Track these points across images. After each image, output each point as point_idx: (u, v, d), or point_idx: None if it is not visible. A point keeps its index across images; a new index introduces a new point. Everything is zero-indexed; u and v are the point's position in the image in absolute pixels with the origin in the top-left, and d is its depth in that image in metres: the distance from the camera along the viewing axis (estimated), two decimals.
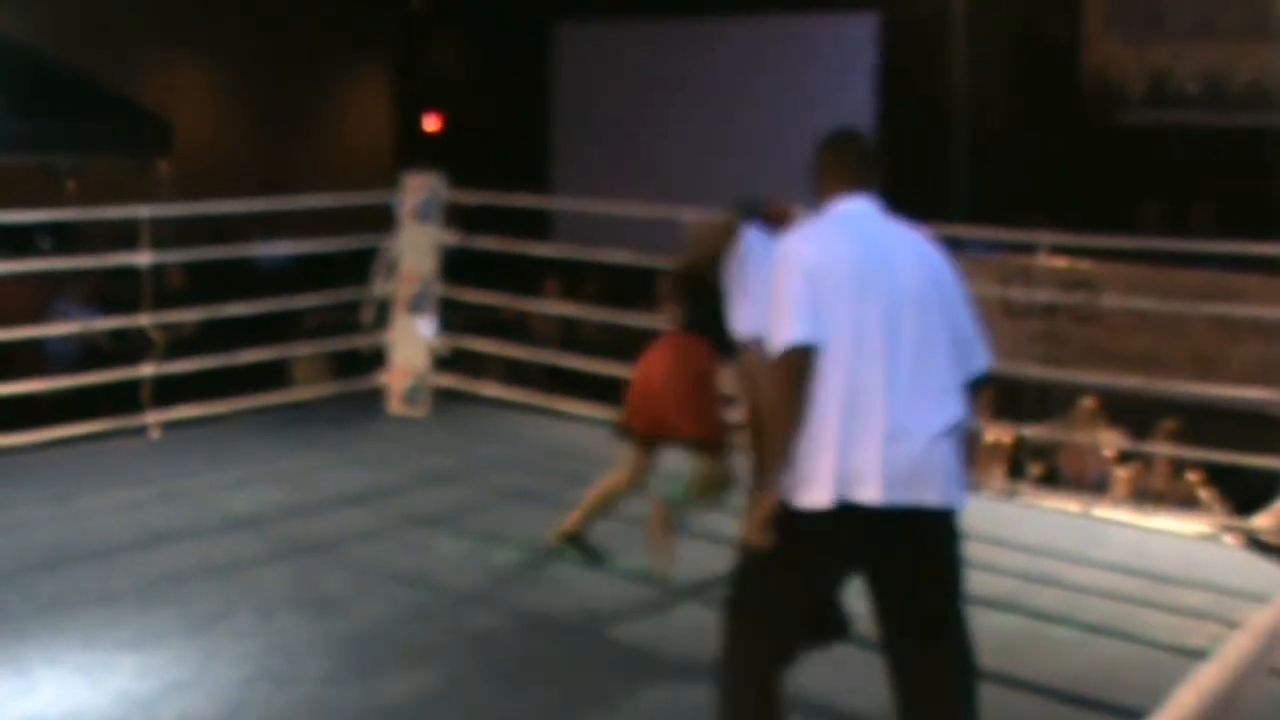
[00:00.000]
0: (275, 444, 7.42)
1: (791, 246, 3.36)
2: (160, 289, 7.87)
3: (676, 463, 5.42)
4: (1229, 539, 6.43)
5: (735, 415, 5.16)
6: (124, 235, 7.87)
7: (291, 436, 7.57)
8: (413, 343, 8.18)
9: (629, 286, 9.56)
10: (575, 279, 10.67)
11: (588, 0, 14.21)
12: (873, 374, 3.20)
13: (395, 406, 8.20)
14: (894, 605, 3.32)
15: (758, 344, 3.66)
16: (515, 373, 9.11)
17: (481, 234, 8.30)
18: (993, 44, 11.54)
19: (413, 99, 15.45)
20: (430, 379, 8.23)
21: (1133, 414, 8.17)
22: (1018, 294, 8.70)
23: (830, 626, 4.15)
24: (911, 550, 3.27)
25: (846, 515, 3.17)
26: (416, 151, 13.64)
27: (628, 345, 7.70)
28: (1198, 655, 4.14)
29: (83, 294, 9.43)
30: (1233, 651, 2.94)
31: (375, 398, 8.27)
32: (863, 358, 3.20)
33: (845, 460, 3.16)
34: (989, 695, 4.39)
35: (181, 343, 8.18)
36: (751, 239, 4.42)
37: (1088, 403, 8.28)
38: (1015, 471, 7.95)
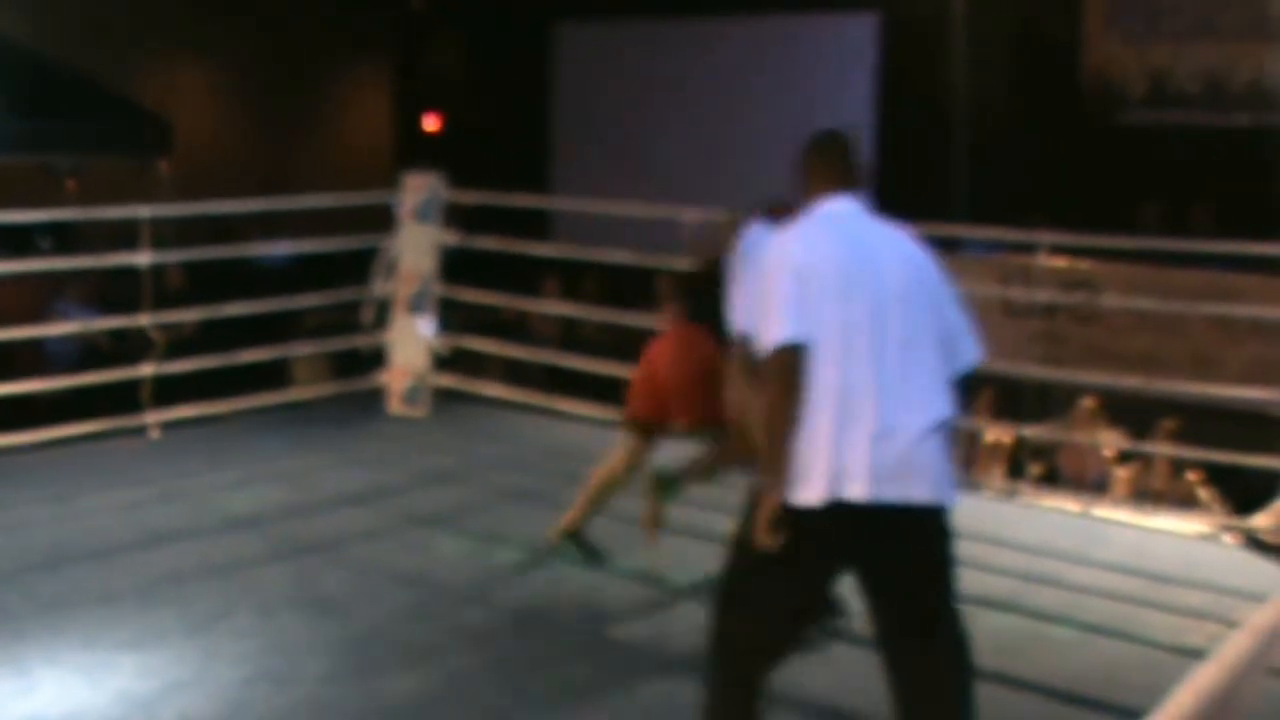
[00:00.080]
0: (275, 444, 7.42)
1: (779, 247, 3.38)
2: (160, 289, 7.88)
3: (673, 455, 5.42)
4: (1228, 539, 6.43)
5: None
6: (124, 235, 7.87)
7: (291, 436, 7.57)
8: (412, 343, 8.19)
9: (629, 286, 9.57)
10: (575, 279, 10.67)
11: (588, 0, 14.20)
12: (862, 373, 3.22)
13: (395, 406, 8.21)
14: (887, 602, 3.33)
15: (747, 340, 3.68)
16: (515, 373, 9.11)
17: (481, 234, 8.30)
18: (993, 44, 11.53)
19: (412, 99, 15.45)
20: (430, 379, 8.23)
21: (1133, 414, 8.17)
22: (1018, 294, 8.70)
23: (820, 614, 4.18)
24: (902, 547, 3.28)
25: (837, 513, 3.18)
26: (416, 151, 13.64)
27: (628, 345, 7.71)
28: (1197, 655, 4.14)
29: (83, 294, 9.43)
30: (1232, 651, 2.94)
31: (375, 398, 8.28)
32: (852, 357, 3.22)
33: (836, 458, 3.18)
34: (989, 695, 4.39)
35: (181, 343, 8.19)
36: (754, 235, 4.43)
37: (1088, 403, 8.28)
38: (1015, 471, 7.95)
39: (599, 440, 6.35)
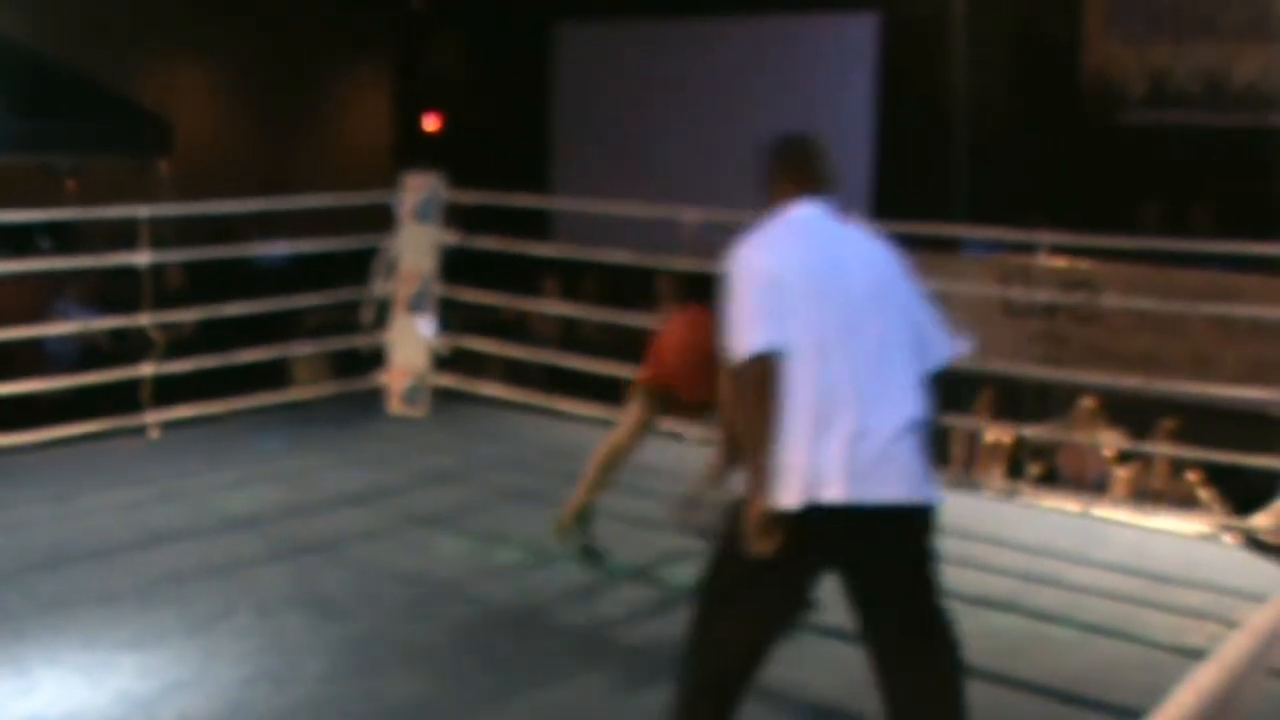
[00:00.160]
0: (275, 443, 7.42)
1: (745, 255, 3.35)
2: (160, 289, 7.88)
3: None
4: (1228, 539, 6.43)
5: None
6: (124, 235, 7.87)
7: (291, 436, 7.57)
8: (412, 342, 8.19)
9: (629, 286, 9.57)
10: (575, 279, 10.67)
11: (588, 0, 14.20)
12: (837, 375, 3.22)
13: (395, 406, 8.21)
14: (873, 604, 3.33)
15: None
16: (515, 373, 9.12)
17: (481, 234, 8.29)
18: (993, 44, 11.54)
19: (412, 99, 15.45)
20: (430, 379, 8.23)
21: (1132, 414, 8.18)
22: (1018, 294, 8.71)
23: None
24: (882, 548, 3.28)
25: (815, 516, 3.18)
26: (416, 151, 13.65)
27: (628, 345, 7.71)
28: (1197, 655, 4.13)
29: (82, 294, 9.44)
30: (1232, 651, 2.94)
31: (375, 398, 8.28)
32: (826, 360, 3.22)
33: (813, 462, 3.19)
34: (989, 695, 4.40)
35: (181, 342, 8.19)
36: None
37: (1087, 402, 8.28)
38: (1015, 471, 7.96)
39: (599, 440, 6.34)
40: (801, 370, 3.21)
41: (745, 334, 3.23)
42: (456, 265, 8.31)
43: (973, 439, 8.39)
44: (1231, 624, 4.71)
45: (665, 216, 7.48)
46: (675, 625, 4.94)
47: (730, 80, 13.34)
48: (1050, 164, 11.25)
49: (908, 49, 12.10)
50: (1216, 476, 7.57)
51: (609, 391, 7.46)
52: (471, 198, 8.34)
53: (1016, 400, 8.56)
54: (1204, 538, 6.49)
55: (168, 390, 7.43)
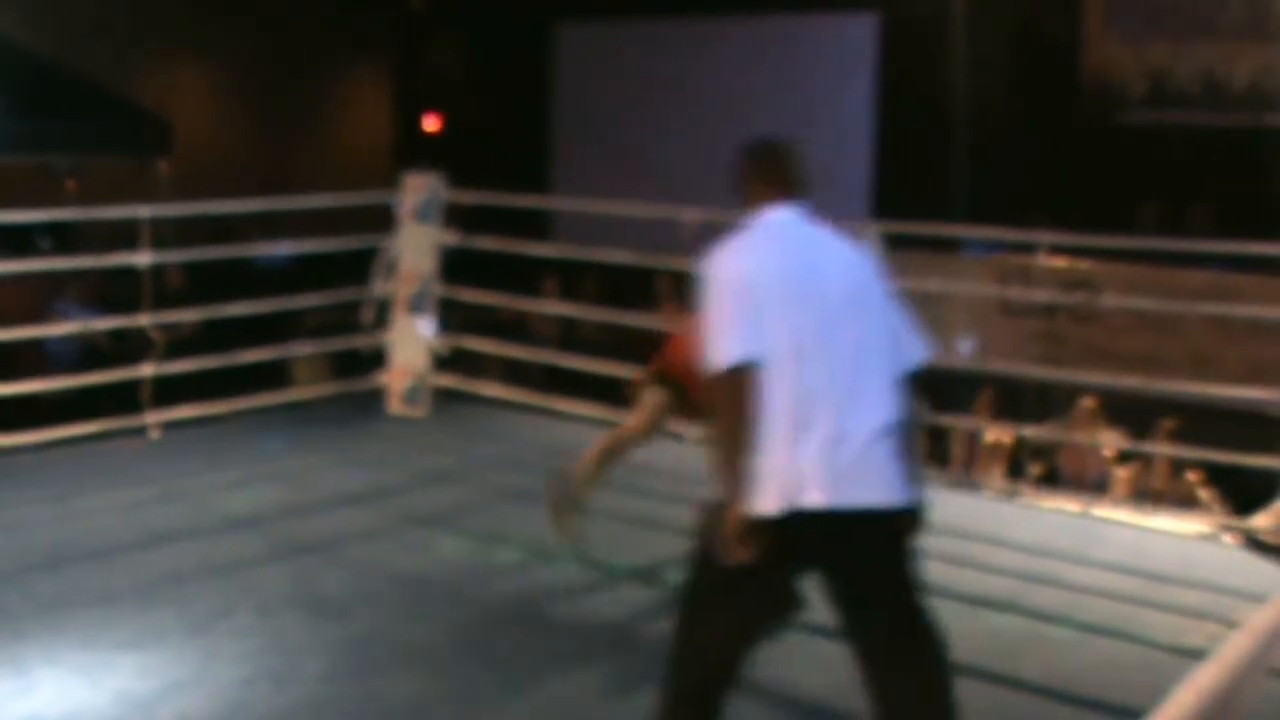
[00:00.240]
0: (275, 444, 7.42)
1: (721, 263, 3.35)
2: (160, 289, 7.87)
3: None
4: (1228, 539, 6.43)
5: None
6: (124, 235, 7.87)
7: (292, 436, 7.57)
8: (412, 343, 8.19)
9: (628, 286, 9.58)
10: (574, 279, 10.68)
11: (588, 0, 14.21)
12: (815, 381, 3.22)
13: (395, 406, 8.21)
14: (853, 607, 3.34)
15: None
16: (515, 373, 9.12)
17: (481, 234, 8.30)
18: (993, 44, 11.54)
19: (412, 99, 15.46)
20: (430, 379, 8.23)
21: (1132, 414, 8.18)
22: (1017, 294, 8.71)
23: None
24: (862, 551, 3.29)
25: (795, 522, 3.19)
26: (416, 151, 13.66)
27: (627, 345, 7.72)
28: (1197, 655, 4.14)
29: (82, 294, 9.44)
30: (1231, 651, 2.94)
31: (375, 398, 8.28)
32: (804, 366, 3.22)
33: (792, 467, 3.19)
34: (989, 695, 4.40)
35: (181, 343, 8.19)
36: None
37: (1087, 402, 8.29)
38: (1015, 471, 7.97)
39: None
40: (779, 375, 3.21)
41: (721, 344, 3.23)
42: (456, 265, 8.31)
43: (973, 439, 8.40)
44: (1231, 624, 4.71)
45: (665, 216, 7.48)
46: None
47: (730, 80, 13.35)
48: (1050, 164, 11.25)
49: (907, 49, 12.11)
50: (1216, 476, 7.57)
51: (609, 391, 7.46)
52: (471, 198, 8.34)
53: (1016, 400, 8.57)
54: (1204, 538, 6.49)
55: (168, 391, 7.44)
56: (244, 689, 4.28)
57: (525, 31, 14.65)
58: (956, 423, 8.00)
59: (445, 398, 8.32)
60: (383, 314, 8.18)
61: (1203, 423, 7.55)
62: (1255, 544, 6.24)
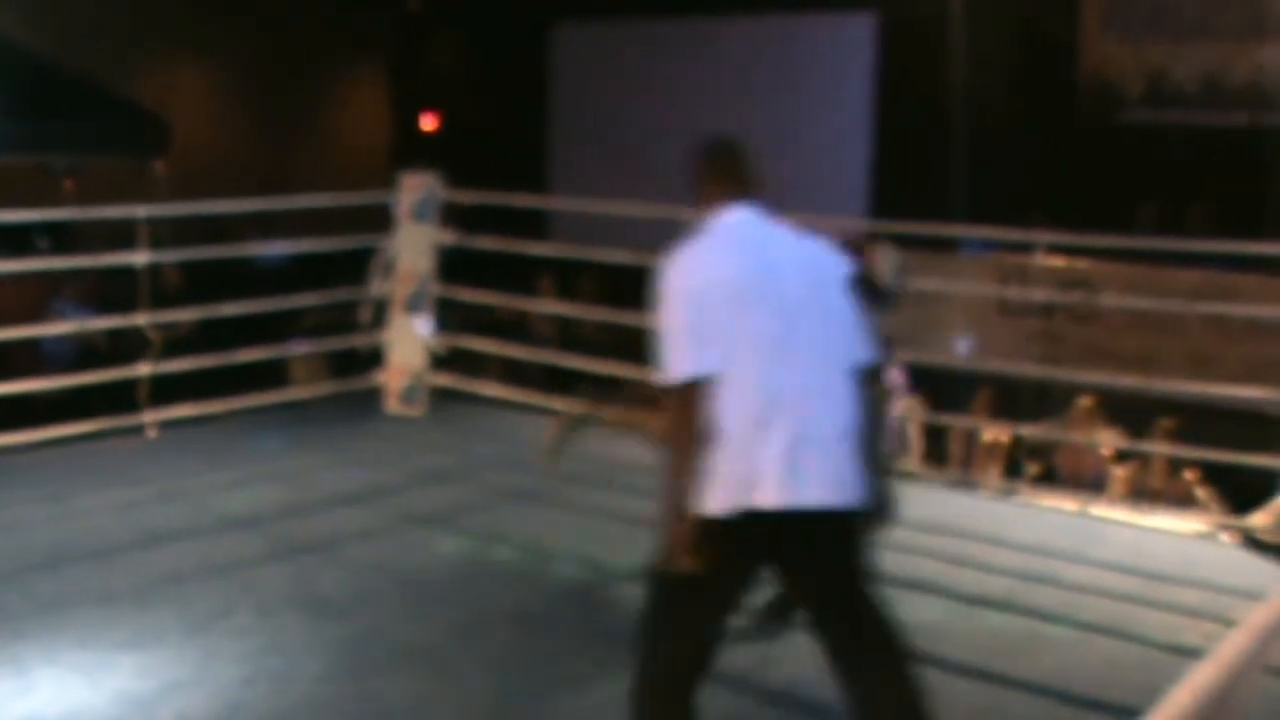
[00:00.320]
0: (273, 443, 7.42)
1: (673, 273, 3.32)
2: (157, 288, 7.87)
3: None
4: (1226, 537, 6.44)
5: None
6: (121, 235, 7.87)
7: (289, 436, 7.57)
8: (410, 342, 8.19)
9: (627, 286, 9.57)
10: (571, 278, 10.68)
11: (587, 0, 14.21)
12: (775, 381, 3.22)
13: (392, 406, 8.21)
14: (810, 605, 3.35)
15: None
16: (513, 372, 9.12)
17: (479, 233, 8.30)
18: (991, 43, 11.54)
19: (411, 99, 15.46)
20: (427, 378, 8.23)
21: (1130, 413, 8.19)
22: (1015, 293, 8.72)
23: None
24: (812, 551, 3.29)
25: (746, 522, 3.20)
26: (414, 151, 13.64)
27: (626, 345, 7.71)
28: (1194, 654, 4.14)
29: (80, 293, 9.43)
30: (1229, 650, 2.95)
31: (372, 397, 8.27)
32: (764, 367, 3.22)
33: (747, 467, 3.19)
34: (987, 694, 4.41)
35: (179, 342, 8.18)
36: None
37: (1085, 402, 8.29)
38: (1013, 470, 7.97)
39: (598, 439, 6.34)
40: (739, 376, 3.20)
41: (673, 359, 3.22)
42: (454, 265, 8.31)
43: (970, 438, 8.40)
44: (1229, 623, 4.71)
45: (664, 216, 7.47)
46: None
47: (729, 80, 13.35)
48: (1048, 163, 11.26)
49: (906, 49, 12.11)
50: (1214, 475, 7.58)
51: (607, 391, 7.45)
52: (469, 197, 8.34)
53: (1014, 399, 8.57)
54: (1202, 536, 6.50)
55: (165, 390, 7.43)
56: (243, 689, 4.28)
57: (524, 31, 14.66)
58: (954, 422, 8.01)
59: (443, 397, 8.32)
60: (380, 313, 8.18)
61: (1201, 422, 7.56)
62: (1253, 543, 6.24)
